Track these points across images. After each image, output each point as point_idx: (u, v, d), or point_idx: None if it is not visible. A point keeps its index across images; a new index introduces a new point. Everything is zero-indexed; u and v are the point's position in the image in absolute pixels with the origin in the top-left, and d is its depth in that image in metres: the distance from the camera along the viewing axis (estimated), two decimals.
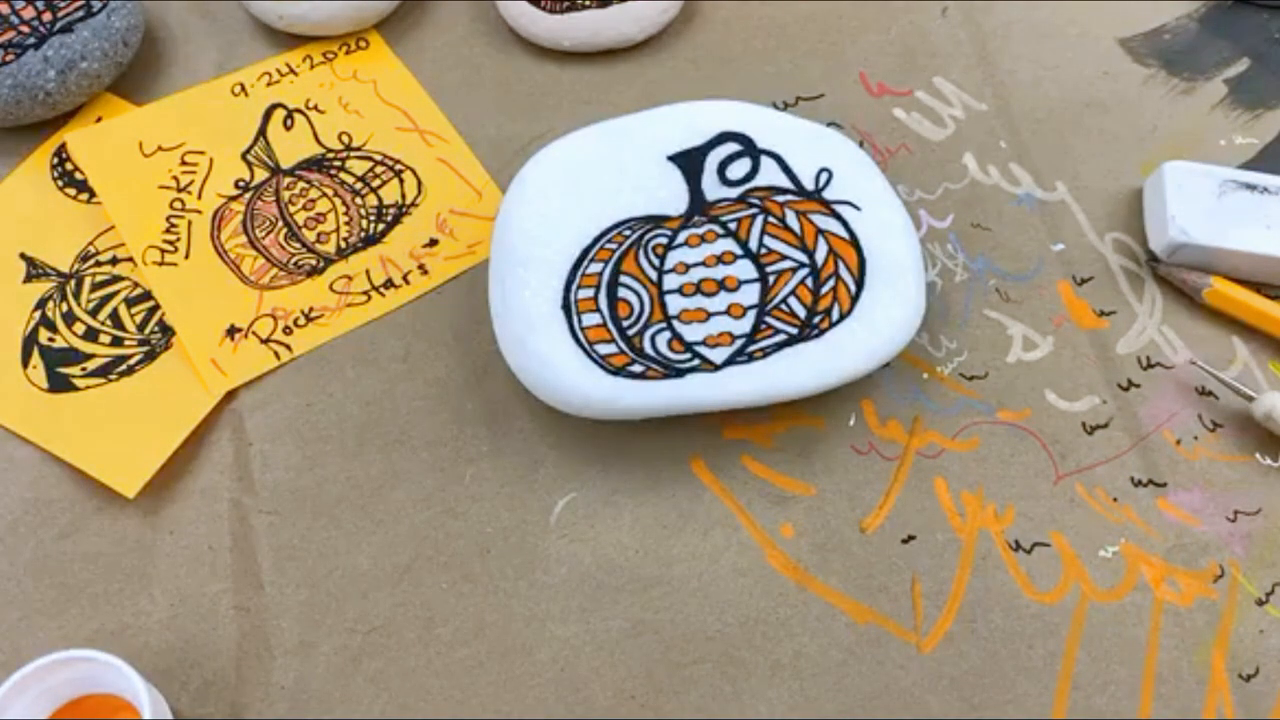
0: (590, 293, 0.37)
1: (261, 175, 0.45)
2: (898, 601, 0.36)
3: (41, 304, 0.42)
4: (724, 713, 0.35)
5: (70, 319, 0.41)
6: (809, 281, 0.38)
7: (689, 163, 0.40)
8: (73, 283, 0.42)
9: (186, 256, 0.43)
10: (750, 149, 0.40)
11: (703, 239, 0.38)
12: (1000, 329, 0.41)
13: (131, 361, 0.41)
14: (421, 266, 0.43)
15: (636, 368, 0.36)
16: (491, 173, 0.45)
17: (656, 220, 0.39)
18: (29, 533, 0.38)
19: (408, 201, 0.44)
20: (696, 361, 0.36)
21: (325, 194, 0.44)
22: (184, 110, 0.46)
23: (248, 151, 0.46)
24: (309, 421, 0.39)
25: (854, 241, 0.38)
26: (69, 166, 0.45)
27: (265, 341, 0.41)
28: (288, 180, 0.45)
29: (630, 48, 0.48)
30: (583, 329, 0.37)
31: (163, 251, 0.43)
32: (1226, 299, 0.41)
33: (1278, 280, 0.42)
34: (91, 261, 0.43)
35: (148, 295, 0.42)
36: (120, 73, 0.46)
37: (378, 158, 0.45)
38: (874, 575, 0.37)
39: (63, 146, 0.45)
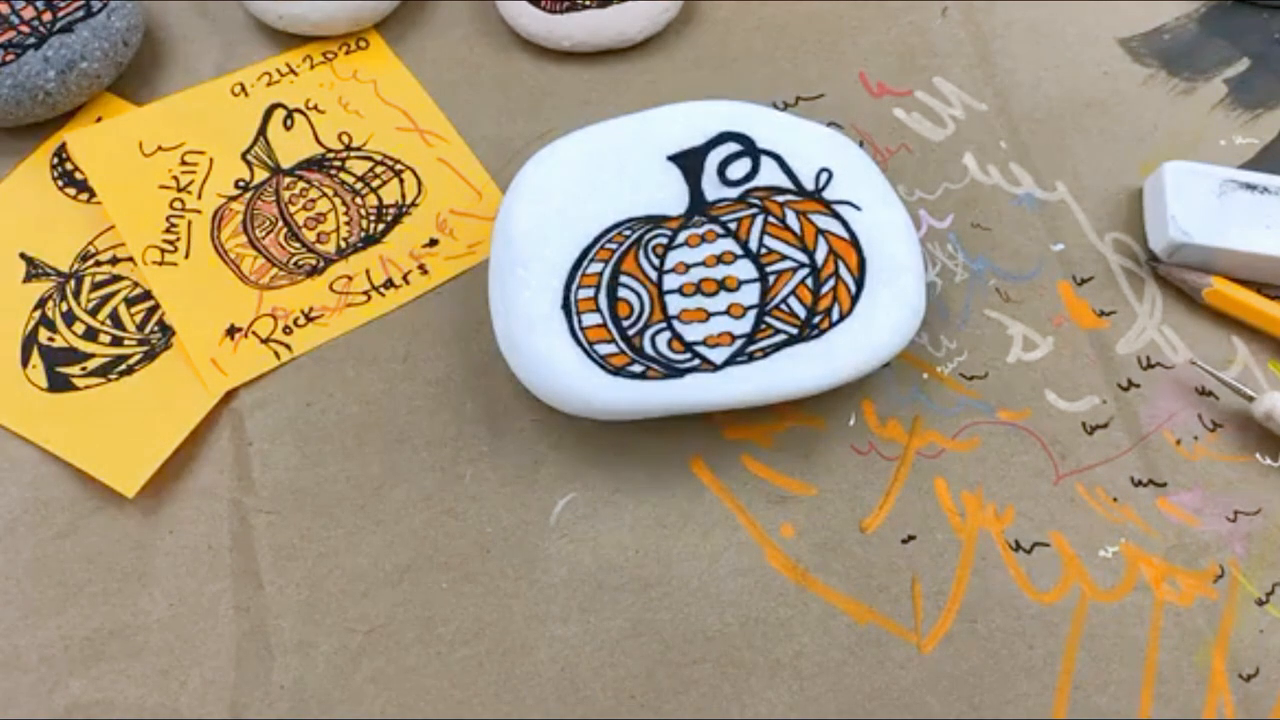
0: (590, 292, 0.37)
1: (261, 175, 0.45)
2: (898, 601, 0.36)
3: (41, 303, 0.42)
4: (724, 713, 0.35)
5: (70, 319, 0.41)
6: (809, 281, 0.38)
7: (689, 163, 0.40)
8: (72, 282, 0.42)
9: (186, 256, 0.43)
10: (750, 149, 0.40)
11: (703, 239, 0.38)
12: (1000, 329, 0.41)
13: (131, 361, 0.41)
14: (421, 266, 0.43)
15: (636, 368, 0.36)
16: (491, 173, 0.45)
17: (656, 220, 0.39)
18: (28, 532, 0.38)
19: (408, 201, 0.44)
20: (696, 361, 0.36)
21: (325, 194, 0.44)
22: (184, 110, 0.46)
23: (248, 151, 0.46)
24: (309, 421, 0.39)
25: (854, 241, 0.38)
26: (69, 166, 0.45)
27: (265, 341, 0.41)
28: (288, 180, 0.45)
29: (630, 48, 0.48)
30: (583, 329, 0.37)
31: (163, 251, 0.43)
32: (1226, 299, 0.41)
33: (1278, 280, 0.42)
34: (91, 261, 0.43)
35: (147, 295, 0.42)
36: (120, 73, 0.46)
37: (378, 158, 0.45)
38: (874, 575, 0.37)
39: (63, 146, 0.45)
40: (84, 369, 0.40)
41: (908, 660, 0.35)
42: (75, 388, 0.40)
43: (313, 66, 0.48)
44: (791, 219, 0.39)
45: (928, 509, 0.38)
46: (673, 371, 0.36)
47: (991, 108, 0.47)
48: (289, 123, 0.46)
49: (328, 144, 0.46)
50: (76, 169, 0.45)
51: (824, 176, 0.39)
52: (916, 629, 0.36)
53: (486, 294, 0.39)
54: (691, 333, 0.37)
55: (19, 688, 0.35)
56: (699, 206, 0.39)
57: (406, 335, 0.41)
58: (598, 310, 0.37)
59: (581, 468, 0.38)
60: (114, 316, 0.42)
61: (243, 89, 0.47)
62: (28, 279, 0.42)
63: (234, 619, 0.36)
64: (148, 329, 0.41)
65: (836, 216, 0.39)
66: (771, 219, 0.39)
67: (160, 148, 0.45)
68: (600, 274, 0.38)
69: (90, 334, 0.41)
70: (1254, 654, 0.35)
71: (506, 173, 0.44)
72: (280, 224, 0.44)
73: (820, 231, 0.38)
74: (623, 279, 0.38)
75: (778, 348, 0.36)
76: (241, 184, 0.45)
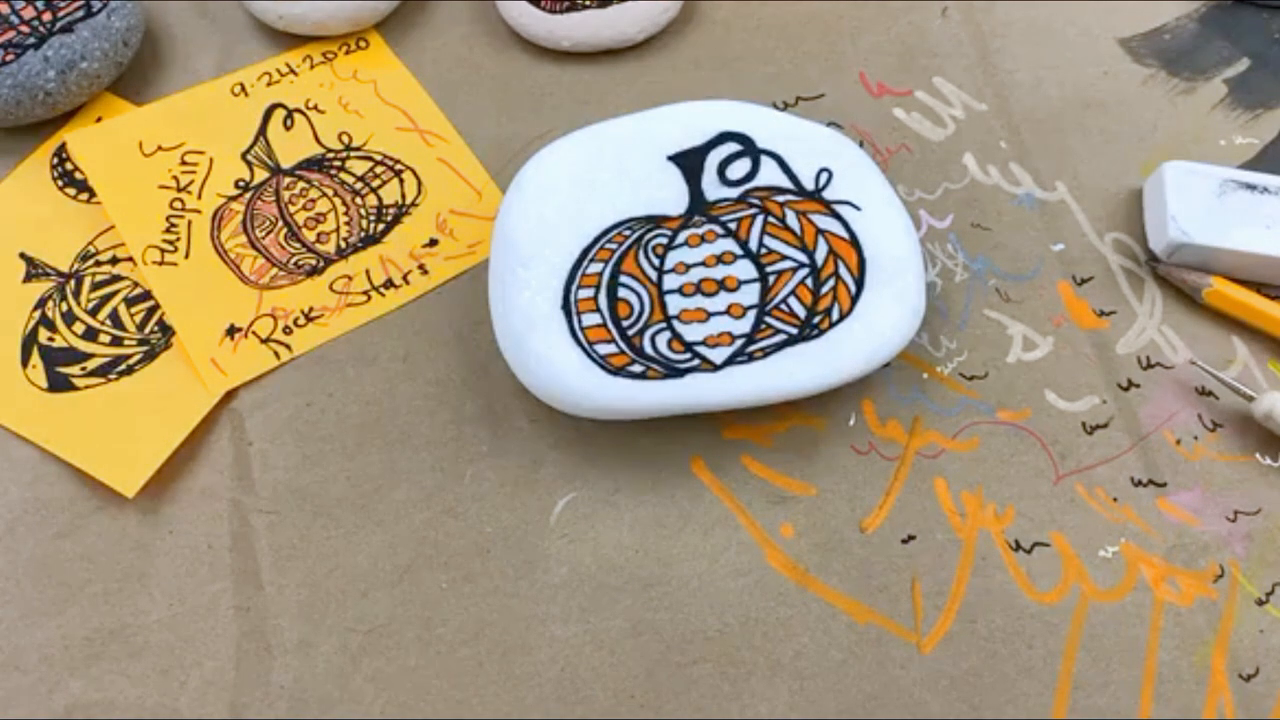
0: (590, 293, 0.37)
1: (261, 175, 0.45)
2: (898, 601, 0.36)
3: (41, 303, 0.42)
4: (724, 713, 0.35)
5: (70, 318, 0.41)
6: (809, 281, 0.38)
7: (689, 163, 0.40)
8: (72, 282, 0.42)
9: (186, 256, 0.43)
10: (750, 149, 0.40)
11: (703, 239, 0.38)
12: (1000, 329, 0.41)
13: (131, 361, 0.41)
14: (421, 266, 0.43)
15: (636, 368, 0.36)
16: (491, 173, 0.45)
17: (656, 220, 0.39)
18: (28, 532, 0.38)
19: (408, 201, 0.44)
20: (696, 361, 0.36)
21: (325, 194, 0.44)
22: (184, 110, 0.46)
23: (248, 151, 0.46)
24: (309, 421, 0.39)
25: (854, 241, 0.38)
26: (69, 166, 0.45)
27: (265, 341, 0.41)
28: (288, 180, 0.45)
29: (630, 48, 0.48)
30: (583, 329, 0.37)
31: (163, 251, 0.43)
32: (1226, 299, 0.41)
33: (1278, 280, 0.42)
34: (91, 261, 0.43)
35: (147, 295, 0.42)
36: (120, 73, 0.46)
37: (378, 158, 0.45)
38: (874, 575, 0.37)
39: (63, 146, 0.45)
40: (84, 369, 0.40)
41: (908, 660, 0.35)
42: (75, 388, 0.40)
43: (313, 66, 0.48)
44: (791, 219, 0.39)
45: (928, 509, 0.38)
46: (673, 371, 0.36)
47: (991, 108, 0.47)
48: (289, 123, 0.46)
49: (328, 144, 0.46)
50: (76, 169, 0.45)
51: (824, 176, 0.39)
52: (916, 629, 0.36)
53: (486, 294, 0.39)
54: (691, 333, 0.37)
55: (19, 688, 0.35)
56: (699, 206, 0.39)
57: (406, 335, 0.41)
58: (598, 310, 0.37)
59: (581, 468, 0.38)
60: (114, 316, 0.42)
61: (243, 89, 0.47)
62: (28, 279, 0.42)
63: (234, 619, 0.36)
64: (148, 329, 0.41)
65: (836, 216, 0.39)
66: (771, 219, 0.39)
67: (160, 148, 0.45)
68: (600, 274, 0.38)
69: (90, 334, 0.41)
70: (1254, 654, 0.35)
71: (506, 173, 0.44)
72: (280, 224, 0.44)
73: (820, 231, 0.38)
74: (623, 279, 0.38)
75: (778, 348, 0.36)
76: (241, 184, 0.45)
